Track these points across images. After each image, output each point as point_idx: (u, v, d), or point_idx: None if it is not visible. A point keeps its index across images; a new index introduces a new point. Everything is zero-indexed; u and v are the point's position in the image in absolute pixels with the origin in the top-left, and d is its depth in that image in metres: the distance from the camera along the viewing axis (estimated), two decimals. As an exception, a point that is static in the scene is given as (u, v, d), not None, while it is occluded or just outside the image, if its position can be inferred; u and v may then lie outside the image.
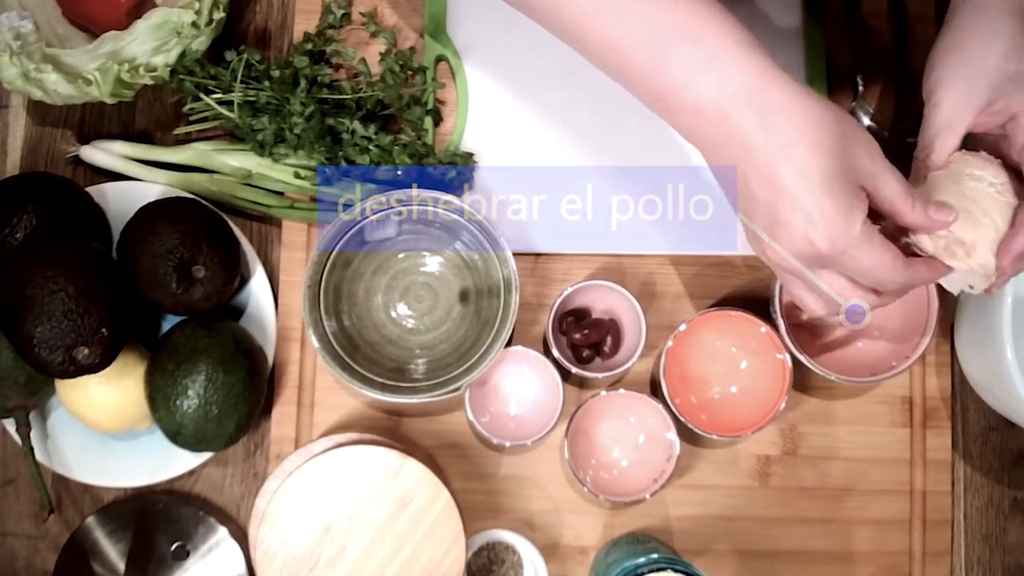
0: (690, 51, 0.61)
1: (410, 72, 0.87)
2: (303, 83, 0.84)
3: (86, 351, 0.73)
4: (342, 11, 0.88)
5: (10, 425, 0.81)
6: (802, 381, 0.84)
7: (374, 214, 0.81)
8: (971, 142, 0.72)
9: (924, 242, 0.67)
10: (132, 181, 0.85)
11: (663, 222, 0.86)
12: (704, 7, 0.62)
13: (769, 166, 0.60)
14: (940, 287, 0.78)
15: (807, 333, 0.82)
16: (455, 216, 0.82)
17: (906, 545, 0.84)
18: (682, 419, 0.78)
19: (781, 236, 0.61)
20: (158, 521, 0.82)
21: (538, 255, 0.86)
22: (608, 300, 0.82)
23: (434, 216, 0.82)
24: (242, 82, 0.83)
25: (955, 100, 0.70)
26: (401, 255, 0.85)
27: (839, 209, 0.59)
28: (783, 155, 0.59)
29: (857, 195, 0.61)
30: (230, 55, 0.84)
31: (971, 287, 0.69)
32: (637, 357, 0.79)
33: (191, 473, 0.84)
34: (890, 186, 0.62)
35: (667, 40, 0.62)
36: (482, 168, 0.86)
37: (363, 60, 0.87)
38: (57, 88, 0.80)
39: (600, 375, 0.80)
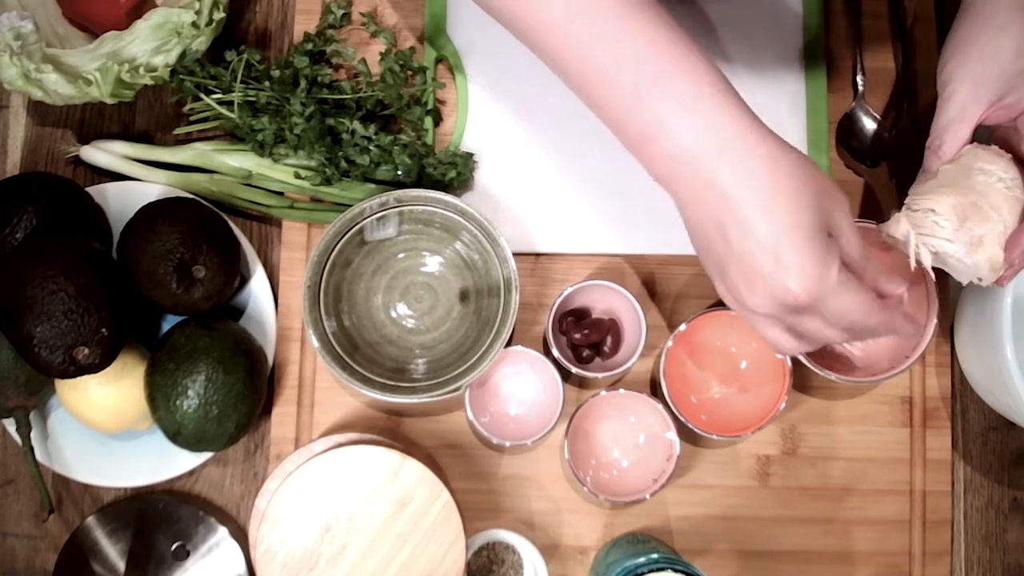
0: (671, 93, 0.61)
1: (410, 72, 0.87)
2: (303, 83, 0.84)
3: (86, 351, 0.73)
4: (342, 11, 0.88)
5: (10, 425, 0.81)
6: (802, 381, 0.84)
7: (374, 214, 0.82)
8: (983, 134, 0.73)
9: (896, 231, 0.71)
10: (132, 181, 0.85)
11: (663, 222, 0.85)
12: (684, 50, 0.62)
13: (748, 216, 0.60)
14: (944, 281, 0.79)
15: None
16: (455, 216, 0.82)
17: (906, 545, 0.84)
18: (682, 419, 0.78)
19: (758, 285, 0.61)
20: (158, 521, 0.82)
21: (538, 255, 0.86)
22: (608, 300, 0.82)
23: (434, 216, 0.82)
24: (242, 82, 0.83)
25: (967, 93, 0.71)
26: (401, 255, 0.85)
27: (816, 259, 0.60)
28: (763, 207, 0.59)
29: (830, 244, 0.61)
30: (230, 55, 0.84)
31: (980, 279, 0.71)
32: (637, 357, 0.79)
33: (191, 473, 0.84)
34: (851, 247, 0.63)
35: (649, 80, 0.61)
36: (482, 168, 0.86)
37: (363, 60, 0.87)
38: (57, 88, 0.80)
39: (600, 375, 0.80)
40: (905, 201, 0.73)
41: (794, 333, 0.65)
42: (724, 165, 0.60)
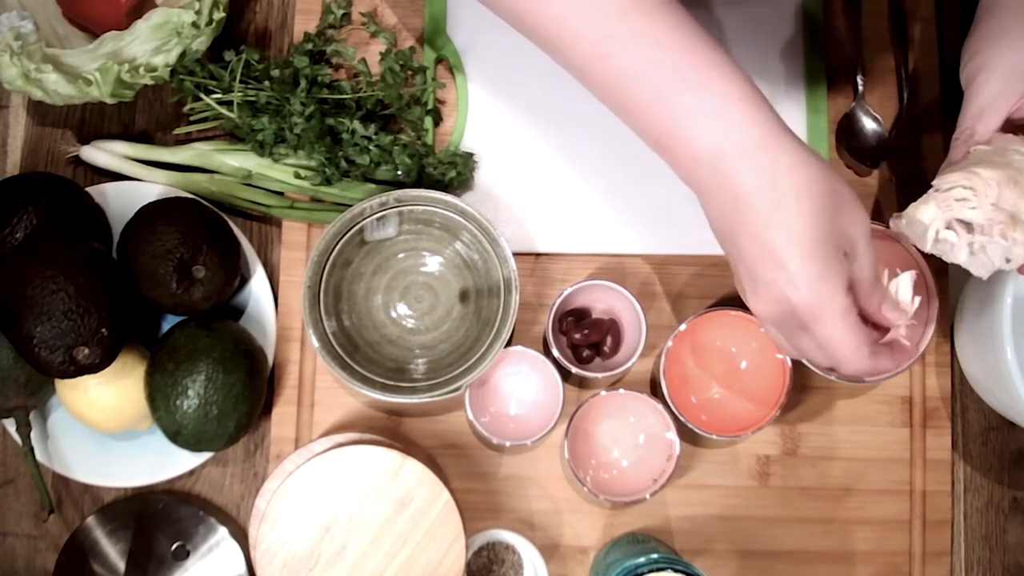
0: (695, 100, 0.61)
1: (410, 72, 0.87)
2: (303, 83, 0.84)
3: (86, 351, 0.73)
4: (342, 11, 0.88)
5: (10, 425, 0.81)
6: (802, 381, 0.84)
7: (374, 214, 0.82)
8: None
9: (924, 215, 0.68)
10: (132, 181, 0.85)
11: (664, 222, 0.86)
12: (711, 56, 0.61)
13: (759, 223, 0.60)
14: (944, 281, 0.78)
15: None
16: (455, 216, 0.82)
17: (906, 545, 0.84)
18: (682, 419, 0.78)
19: (761, 291, 0.61)
20: (158, 521, 0.82)
21: (538, 255, 0.86)
22: (608, 300, 0.82)
23: (434, 216, 0.82)
24: (242, 82, 0.83)
25: (1000, 82, 0.71)
26: (401, 255, 0.85)
27: (822, 277, 0.59)
28: (775, 216, 0.59)
29: (840, 264, 0.61)
30: (229, 55, 0.84)
31: (1008, 260, 0.68)
32: (637, 357, 0.79)
33: (191, 473, 0.84)
34: (863, 269, 0.63)
35: (673, 86, 0.61)
36: (482, 168, 0.86)
37: (363, 60, 0.87)
38: (57, 88, 0.80)
39: (600, 375, 0.80)
40: (933, 183, 0.70)
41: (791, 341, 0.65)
42: (744, 171, 0.60)
